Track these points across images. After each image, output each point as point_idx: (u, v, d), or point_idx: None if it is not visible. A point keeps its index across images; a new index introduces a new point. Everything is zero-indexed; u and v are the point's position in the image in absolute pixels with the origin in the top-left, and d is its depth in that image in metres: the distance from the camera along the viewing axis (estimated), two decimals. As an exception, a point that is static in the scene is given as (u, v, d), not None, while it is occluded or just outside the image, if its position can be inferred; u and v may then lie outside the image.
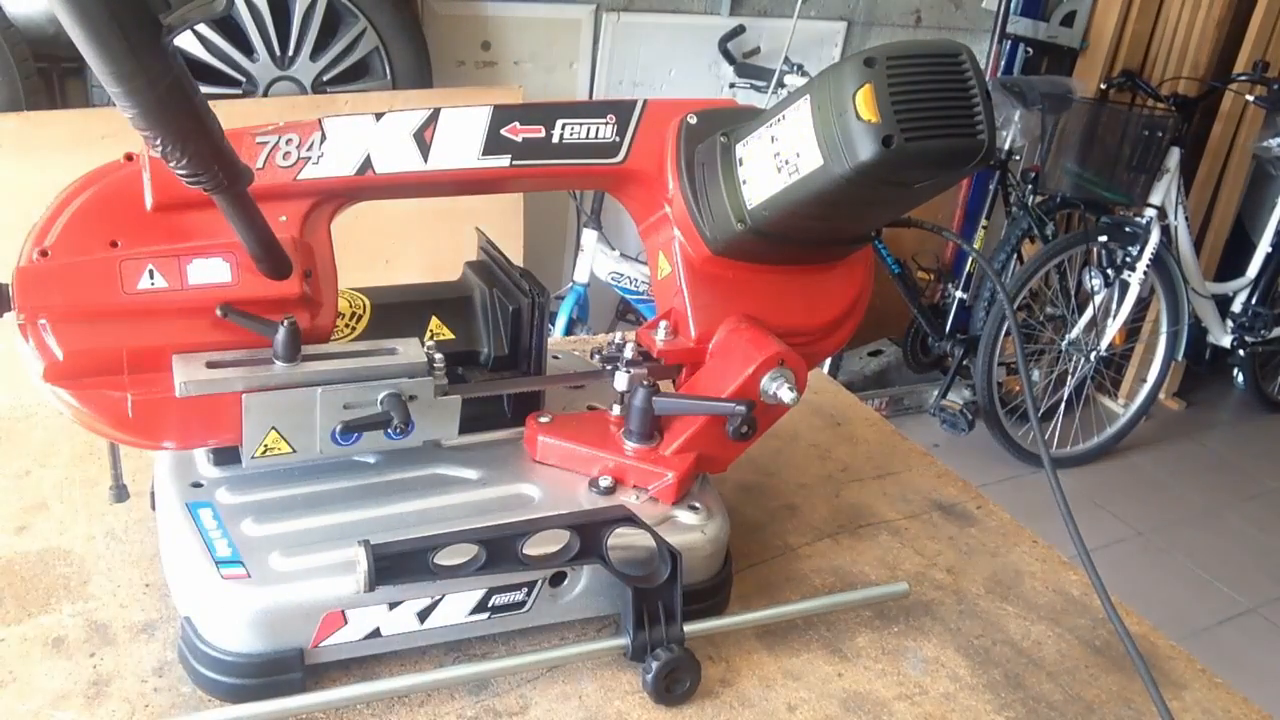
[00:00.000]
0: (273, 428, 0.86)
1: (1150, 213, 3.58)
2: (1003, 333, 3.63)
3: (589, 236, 3.30)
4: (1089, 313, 3.71)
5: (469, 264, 1.09)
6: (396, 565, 0.80)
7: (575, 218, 3.58)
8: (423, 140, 0.89)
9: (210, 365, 0.83)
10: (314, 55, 2.82)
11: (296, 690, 0.82)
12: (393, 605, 0.84)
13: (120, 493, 0.97)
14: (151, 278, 0.81)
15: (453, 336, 1.02)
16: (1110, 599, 0.89)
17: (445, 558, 0.82)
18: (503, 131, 0.91)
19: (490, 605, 0.88)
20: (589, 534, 0.86)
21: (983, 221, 3.92)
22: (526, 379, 1.03)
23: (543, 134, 0.93)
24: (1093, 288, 3.66)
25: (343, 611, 0.82)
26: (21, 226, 0.82)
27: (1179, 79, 4.04)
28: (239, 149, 0.75)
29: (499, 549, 0.83)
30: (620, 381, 0.98)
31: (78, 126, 2.47)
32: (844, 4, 3.83)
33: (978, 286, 3.84)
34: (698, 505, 0.95)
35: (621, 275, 3.37)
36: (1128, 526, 3.61)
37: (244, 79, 2.78)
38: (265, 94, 2.81)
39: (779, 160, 0.87)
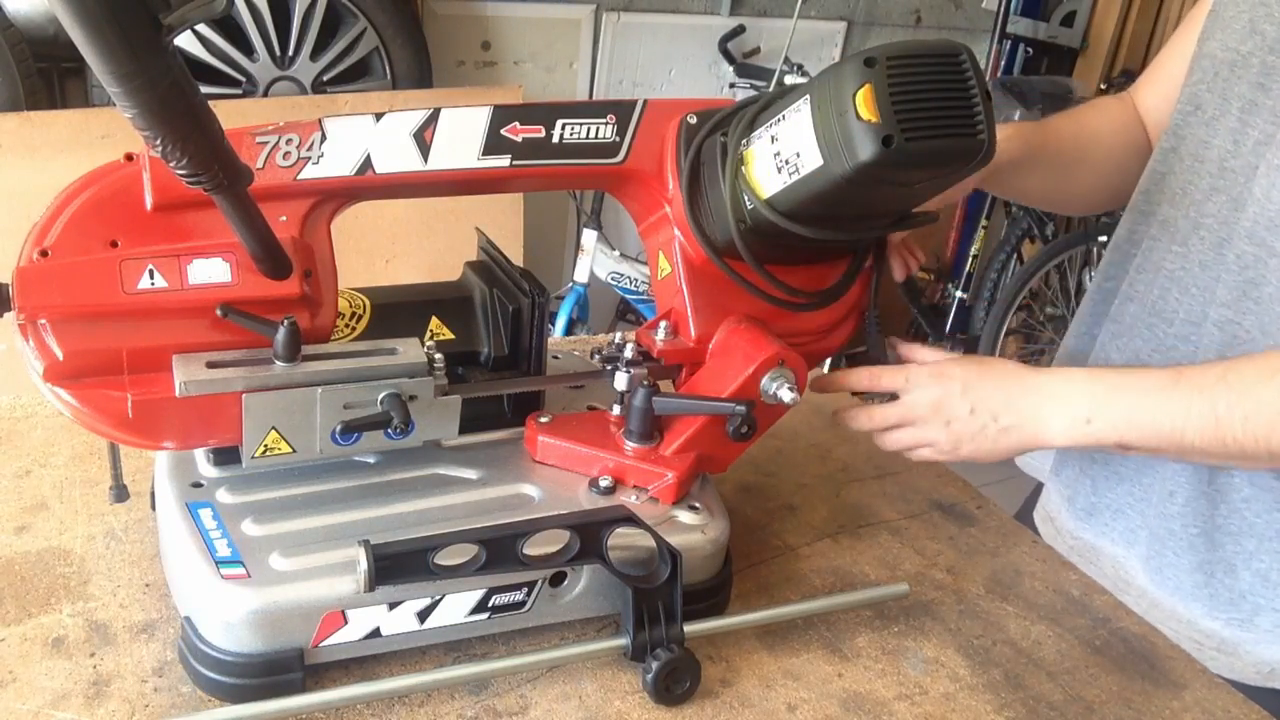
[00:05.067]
0: (273, 428, 0.86)
1: (1150, 212, 3.57)
2: (1003, 332, 3.63)
3: (589, 236, 3.30)
4: (1089, 313, 3.70)
5: (469, 264, 1.09)
6: (396, 565, 0.80)
7: (575, 218, 3.58)
8: (423, 140, 0.89)
9: (210, 365, 0.83)
10: (314, 55, 2.82)
11: (296, 690, 0.82)
12: (393, 605, 0.84)
13: (120, 493, 0.97)
14: (151, 278, 0.81)
15: (453, 336, 1.02)
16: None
17: (445, 558, 0.82)
18: (503, 131, 0.91)
19: (490, 605, 0.88)
20: (589, 534, 0.86)
21: (983, 221, 3.92)
22: (526, 379, 1.03)
23: (543, 134, 0.93)
24: (1093, 288, 3.66)
25: (343, 611, 0.82)
26: (21, 226, 0.82)
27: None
28: (239, 149, 0.75)
29: (499, 549, 0.83)
30: (620, 381, 0.98)
31: (78, 126, 2.48)
32: (844, 4, 3.83)
33: (978, 286, 3.84)
34: (698, 505, 0.95)
35: (621, 275, 3.37)
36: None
37: (244, 79, 2.79)
38: (265, 94, 2.81)
39: (779, 160, 0.87)
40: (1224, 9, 1.09)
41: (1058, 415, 0.97)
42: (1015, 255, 3.75)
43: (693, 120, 0.97)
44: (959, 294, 3.82)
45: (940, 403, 1.00)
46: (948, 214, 4.20)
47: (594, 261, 3.32)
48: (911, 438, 1.04)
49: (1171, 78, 1.15)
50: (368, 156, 0.88)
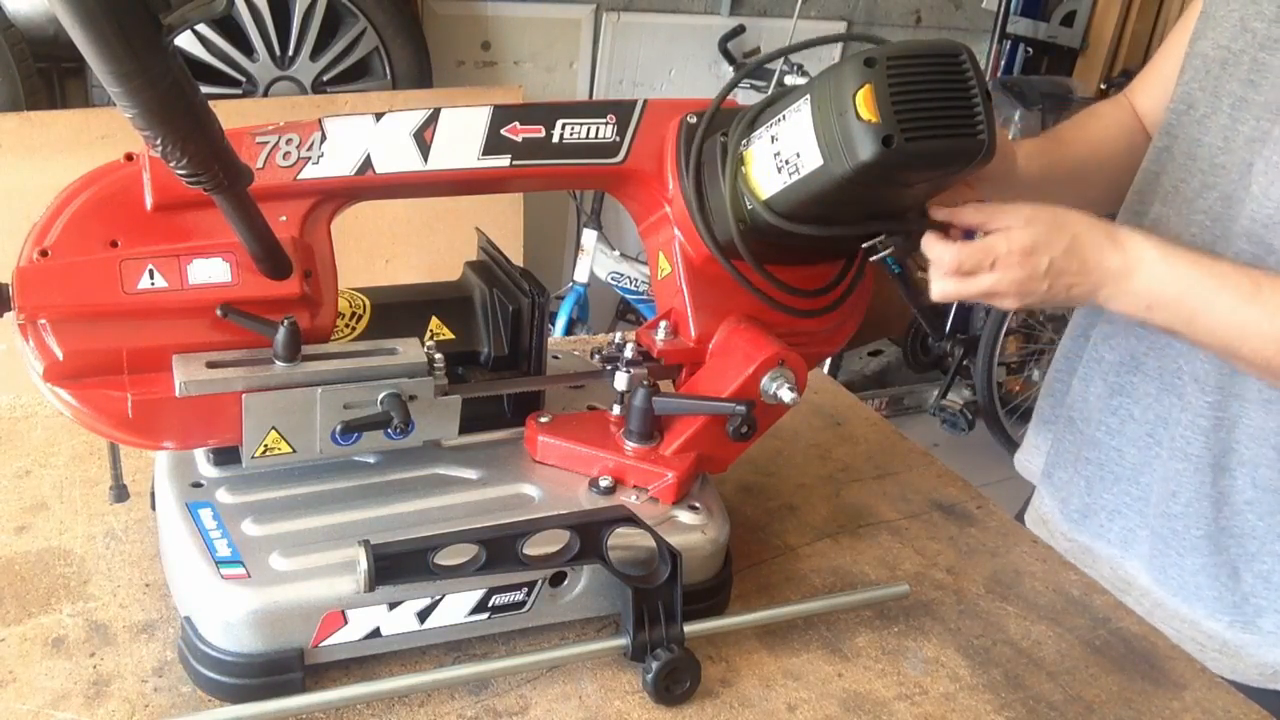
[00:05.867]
0: (273, 428, 0.86)
1: (1150, 212, 3.57)
2: (1003, 332, 3.63)
3: (589, 236, 3.30)
4: (1089, 312, 3.70)
5: (469, 264, 1.09)
6: (396, 565, 0.80)
7: (575, 218, 3.58)
8: (423, 140, 0.89)
9: (210, 365, 0.83)
10: (314, 55, 2.82)
11: (296, 690, 0.82)
12: (393, 605, 0.84)
13: (120, 493, 0.97)
14: (151, 278, 0.81)
15: (453, 336, 1.02)
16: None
17: (445, 558, 0.82)
18: (503, 131, 0.91)
19: (490, 605, 0.88)
20: (589, 534, 0.86)
21: (983, 221, 3.91)
22: (526, 379, 1.03)
23: (543, 134, 0.93)
24: (1093, 287, 3.66)
25: (343, 611, 0.82)
26: (21, 226, 0.82)
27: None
28: (239, 149, 0.75)
29: (499, 549, 0.83)
30: (620, 381, 0.98)
31: (78, 126, 2.47)
32: (844, 4, 3.83)
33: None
34: (698, 505, 0.95)
35: (621, 275, 3.37)
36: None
37: (244, 79, 2.78)
38: (265, 94, 2.81)
39: (779, 160, 0.87)
40: (1215, 8, 1.09)
41: (1121, 297, 0.96)
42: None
43: (693, 120, 0.97)
44: (959, 294, 3.81)
45: (1024, 278, 0.96)
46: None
47: (594, 261, 3.32)
48: (976, 289, 1.01)
49: (1166, 79, 1.16)
50: (368, 156, 0.88)
